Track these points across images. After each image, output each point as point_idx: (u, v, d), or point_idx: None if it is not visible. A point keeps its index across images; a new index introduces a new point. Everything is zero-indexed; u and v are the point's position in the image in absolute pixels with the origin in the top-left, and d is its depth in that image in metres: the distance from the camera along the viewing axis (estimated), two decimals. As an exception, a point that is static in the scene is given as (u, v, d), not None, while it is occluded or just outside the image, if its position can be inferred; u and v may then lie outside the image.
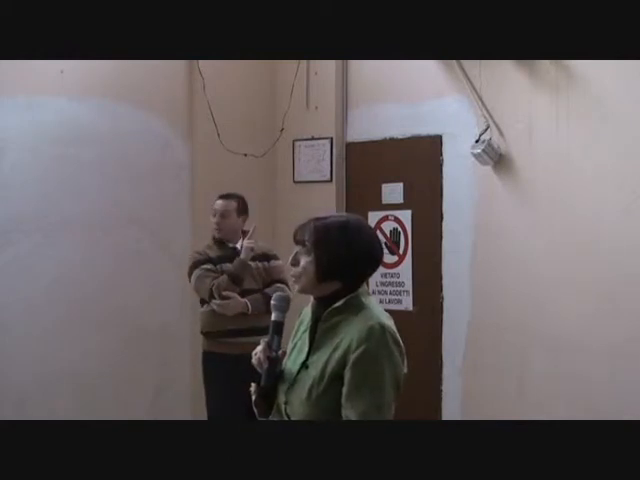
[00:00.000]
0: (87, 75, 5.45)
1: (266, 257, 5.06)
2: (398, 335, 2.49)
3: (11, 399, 5.19)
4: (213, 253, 5.00)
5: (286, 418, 2.50)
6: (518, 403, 5.38)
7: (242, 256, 4.92)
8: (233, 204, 5.04)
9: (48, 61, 4.81)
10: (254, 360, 2.56)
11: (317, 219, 2.56)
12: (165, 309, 5.91)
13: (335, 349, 2.46)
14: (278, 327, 2.57)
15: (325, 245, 2.51)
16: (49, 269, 5.39)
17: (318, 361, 2.48)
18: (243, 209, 5.09)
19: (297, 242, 2.56)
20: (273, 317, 2.58)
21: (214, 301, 4.89)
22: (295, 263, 2.55)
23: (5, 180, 5.23)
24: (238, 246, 5.03)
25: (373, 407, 2.39)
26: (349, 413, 2.39)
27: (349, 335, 2.45)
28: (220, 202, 5.06)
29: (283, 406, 2.51)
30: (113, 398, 5.58)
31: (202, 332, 5.06)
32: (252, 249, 4.93)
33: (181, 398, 5.93)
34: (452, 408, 5.72)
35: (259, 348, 2.55)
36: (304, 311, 2.68)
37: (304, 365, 2.51)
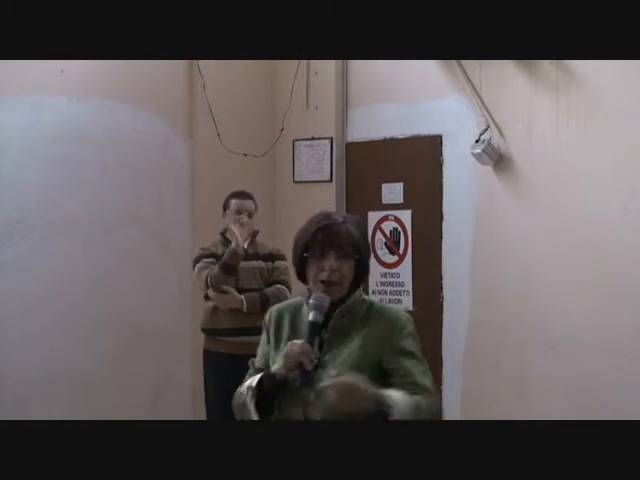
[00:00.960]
0: (87, 75, 5.45)
1: (271, 257, 5.04)
2: None
3: (11, 399, 5.19)
4: (219, 250, 5.00)
5: (301, 419, 2.46)
6: (518, 403, 5.38)
7: (233, 244, 4.87)
8: (253, 203, 5.07)
9: (48, 61, 4.81)
10: (291, 362, 2.46)
11: (341, 221, 2.53)
12: (165, 309, 5.91)
13: (363, 344, 2.46)
14: (317, 328, 2.52)
15: (364, 248, 2.55)
16: (49, 269, 5.39)
17: (338, 358, 2.47)
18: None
19: (332, 247, 2.50)
20: (312, 317, 2.51)
21: (209, 291, 4.89)
22: (336, 269, 2.50)
23: (5, 180, 5.23)
24: (245, 245, 4.98)
25: (432, 384, 2.47)
26: (421, 385, 2.43)
27: (379, 327, 2.48)
28: (248, 202, 5.04)
29: (300, 408, 2.46)
30: (113, 398, 5.58)
31: (201, 328, 5.07)
32: (242, 234, 4.87)
33: (181, 398, 5.93)
34: (452, 408, 5.72)
35: (298, 350, 2.45)
36: (274, 313, 2.65)
37: (318, 365, 2.48)
